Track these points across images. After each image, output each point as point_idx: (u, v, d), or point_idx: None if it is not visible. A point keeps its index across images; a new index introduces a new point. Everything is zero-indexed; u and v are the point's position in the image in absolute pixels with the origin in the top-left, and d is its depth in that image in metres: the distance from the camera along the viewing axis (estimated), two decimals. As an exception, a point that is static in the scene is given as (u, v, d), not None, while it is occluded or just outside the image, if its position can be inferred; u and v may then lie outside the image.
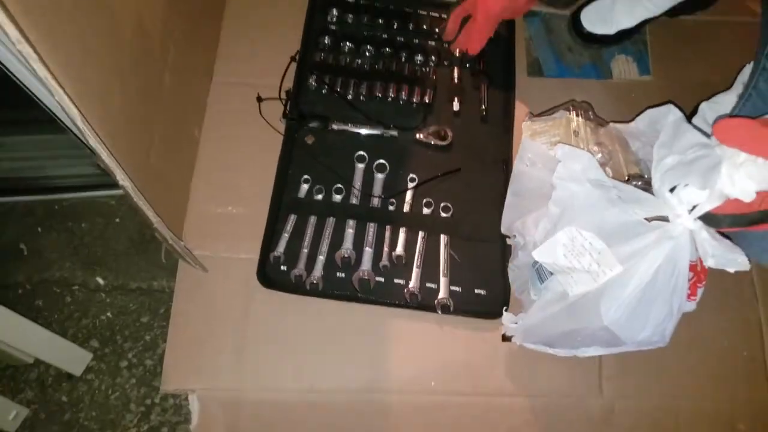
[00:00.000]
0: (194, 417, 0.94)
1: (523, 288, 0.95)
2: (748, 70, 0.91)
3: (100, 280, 1.20)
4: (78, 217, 1.25)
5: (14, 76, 0.86)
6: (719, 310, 1.02)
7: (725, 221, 0.68)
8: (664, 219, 0.73)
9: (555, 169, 0.78)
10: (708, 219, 0.70)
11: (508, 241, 1.00)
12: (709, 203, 0.68)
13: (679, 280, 0.74)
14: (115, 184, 1.21)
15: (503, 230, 0.97)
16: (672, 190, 0.72)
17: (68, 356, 1.11)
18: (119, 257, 1.21)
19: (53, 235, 1.24)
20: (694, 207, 0.70)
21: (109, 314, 1.18)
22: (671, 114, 0.79)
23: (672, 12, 1.12)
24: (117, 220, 1.24)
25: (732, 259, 0.70)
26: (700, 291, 0.86)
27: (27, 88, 0.89)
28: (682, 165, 0.71)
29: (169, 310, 1.14)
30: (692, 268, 0.77)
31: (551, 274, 0.83)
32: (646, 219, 0.74)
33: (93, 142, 0.59)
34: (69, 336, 1.12)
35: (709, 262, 0.71)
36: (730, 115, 0.81)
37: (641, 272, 0.73)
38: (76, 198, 1.26)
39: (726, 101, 0.95)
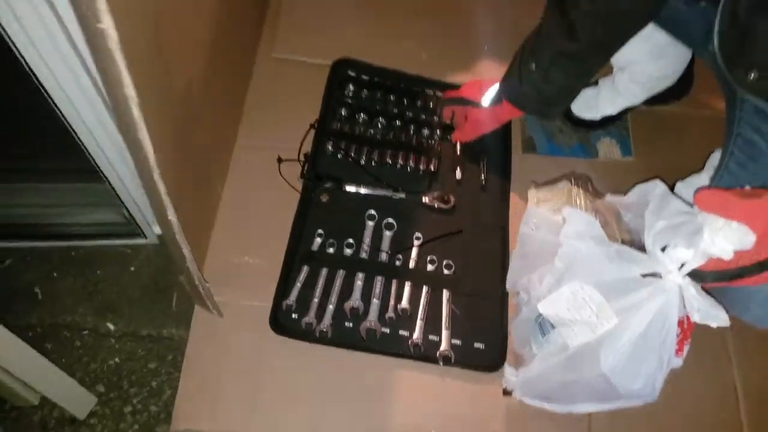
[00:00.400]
0: (202, 457, 0.96)
1: (524, 343, 1.01)
2: (715, 155, 1.05)
3: (111, 326, 1.24)
4: (94, 264, 1.29)
5: (69, 125, 0.95)
6: (698, 372, 1.08)
7: (709, 277, 0.77)
8: (657, 276, 0.82)
9: (557, 233, 0.88)
10: (695, 275, 0.78)
11: (513, 300, 1.07)
12: (695, 261, 0.77)
13: (669, 334, 0.82)
14: (132, 234, 1.29)
15: (509, 287, 1.06)
16: (663, 250, 0.81)
17: (74, 397, 1.13)
18: (132, 304, 1.25)
19: (68, 281, 1.28)
20: (682, 265, 0.79)
21: (117, 359, 1.21)
22: (658, 187, 0.90)
23: (649, 102, 1.27)
24: (132, 268, 1.29)
25: (714, 315, 0.78)
26: (686, 348, 0.93)
27: (78, 137, 0.98)
28: (669, 229, 0.81)
29: (177, 358, 1.18)
30: (679, 324, 0.85)
31: (553, 327, 0.90)
32: (641, 275, 0.83)
33: (156, 176, 0.67)
34: (76, 379, 1.14)
35: (695, 317, 0.79)
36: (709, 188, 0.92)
37: (635, 324, 0.81)
38: (93, 245, 1.31)
39: (698, 181, 1.07)
